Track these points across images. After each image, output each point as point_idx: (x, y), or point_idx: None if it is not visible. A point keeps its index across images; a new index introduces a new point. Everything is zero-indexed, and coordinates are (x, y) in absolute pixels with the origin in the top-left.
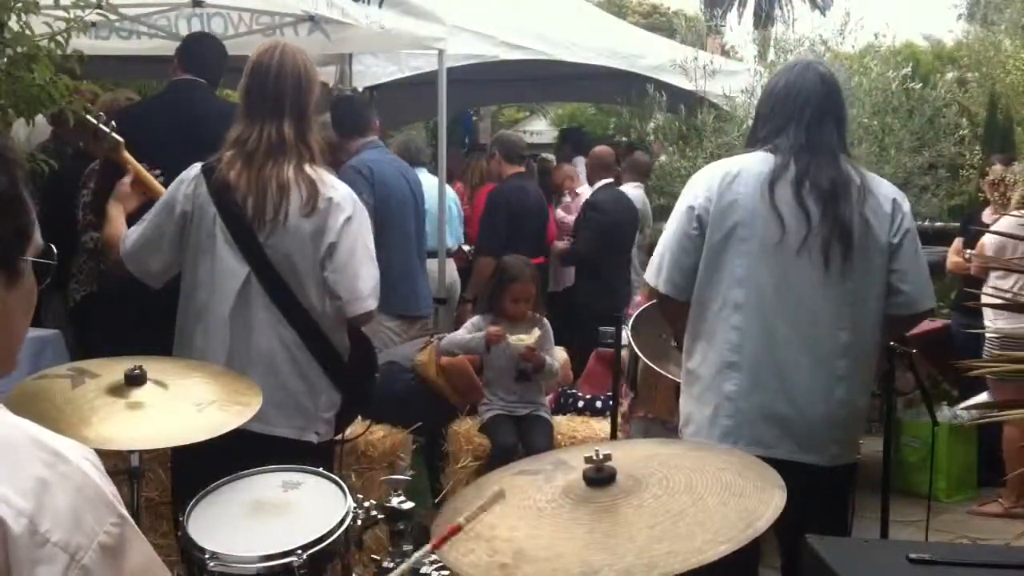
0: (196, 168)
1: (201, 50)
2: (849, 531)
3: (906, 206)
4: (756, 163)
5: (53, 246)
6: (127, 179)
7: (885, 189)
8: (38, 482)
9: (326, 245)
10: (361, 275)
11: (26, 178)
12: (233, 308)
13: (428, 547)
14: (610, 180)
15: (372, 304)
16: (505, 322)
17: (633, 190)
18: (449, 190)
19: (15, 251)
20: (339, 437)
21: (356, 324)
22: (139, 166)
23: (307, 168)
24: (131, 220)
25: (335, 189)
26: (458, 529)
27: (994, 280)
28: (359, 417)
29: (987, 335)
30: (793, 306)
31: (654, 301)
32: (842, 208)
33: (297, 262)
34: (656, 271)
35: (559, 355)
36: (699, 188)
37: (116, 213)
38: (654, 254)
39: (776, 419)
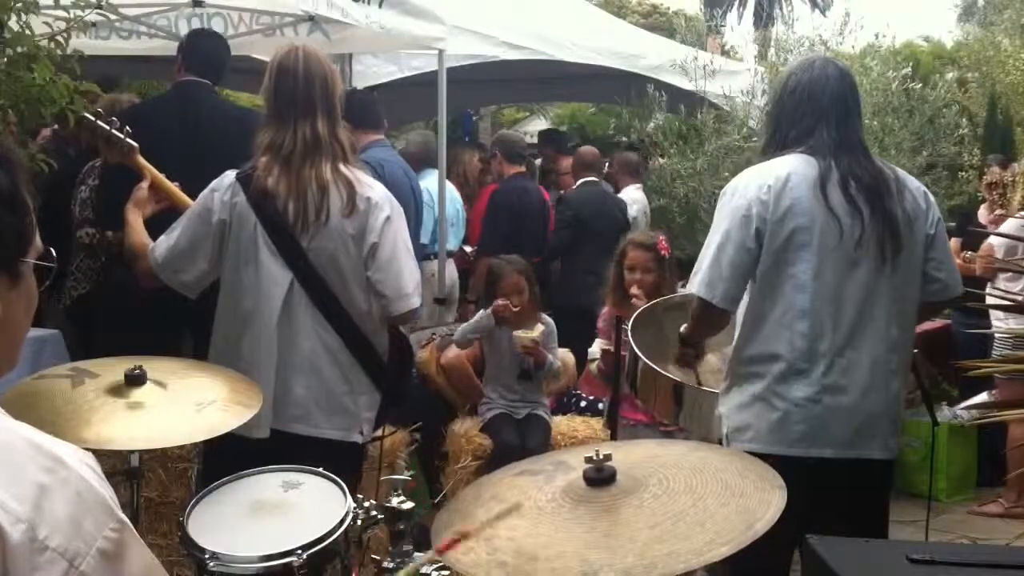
0: (230, 176)
1: (204, 48)
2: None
3: (932, 197)
4: (801, 166)
5: (52, 249)
6: (144, 184)
7: (914, 182)
8: (37, 488)
9: (369, 245)
10: (404, 273)
11: (27, 180)
12: (280, 315)
13: (433, 551)
14: (592, 178)
15: (416, 301)
16: (516, 326)
17: (635, 192)
18: (455, 191)
19: (15, 253)
20: (376, 436)
21: (400, 322)
22: (155, 171)
23: (343, 168)
24: (148, 225)
25: (372, 188)
26: (467, 535)
27: (1003, 282)
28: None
29: (997, 335)
30: (854, 306)
31: (651, 303)
32: (888, 204)
33: (341, 265)
34: (710, 284)
35: (564, 357)
36: (751, 196)
37: (136, 220)
38: (701, 265)
39: (847, 420)
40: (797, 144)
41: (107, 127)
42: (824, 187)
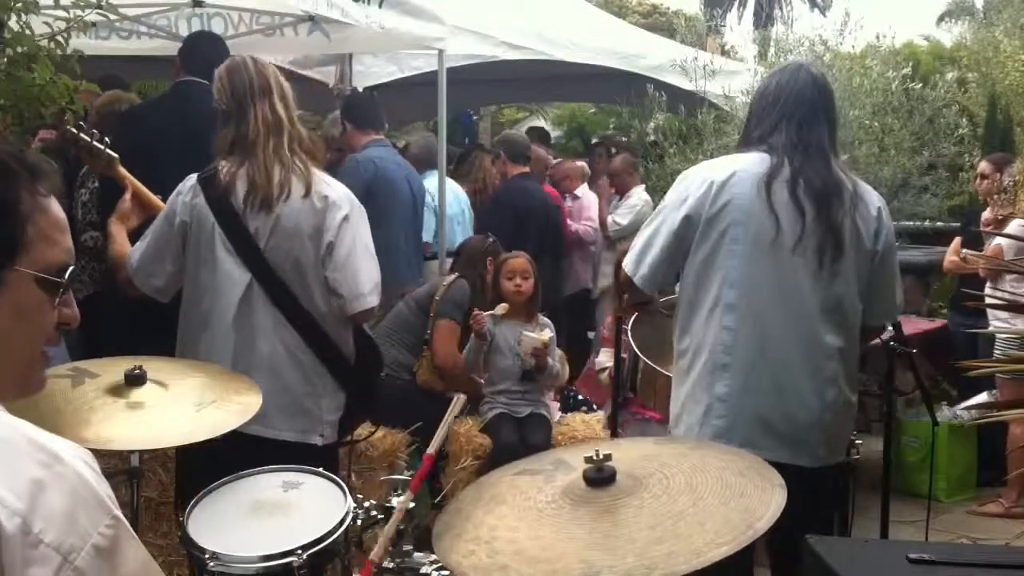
0: (192, 179)
1: (202, 50)
2: (849, 531)
3: (888, 217)
4: (753, 163)
5: (71, 267)
6: (127, 196)
7: (872, 197)
8: (33, 483)
9: (325, 244)
10: (361, 273)
11: (47, 187)
12: (236, 315)
13: (410, 492)
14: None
15: (373, 301)
16: (509, 320)
17: (644, 192)
18: (461, 191)
19: (2, 260)
20: (347, 439)
21: (357, 322)
22: (136, 181)
23: (300, 156)
24: (135, 236)
25: (331, 187)
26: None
27: (1011, 282)
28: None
29: (1001, 336)
30: (785, 307)
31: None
32: (835, 210)
33: (300, 264)
34: (635, 262)
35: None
36: (692, 188)
37: (118, 231)
38: (637, 242)
39: (767, 421)
40: (759, 143)
41: (88, 138)
42: (769, 184)
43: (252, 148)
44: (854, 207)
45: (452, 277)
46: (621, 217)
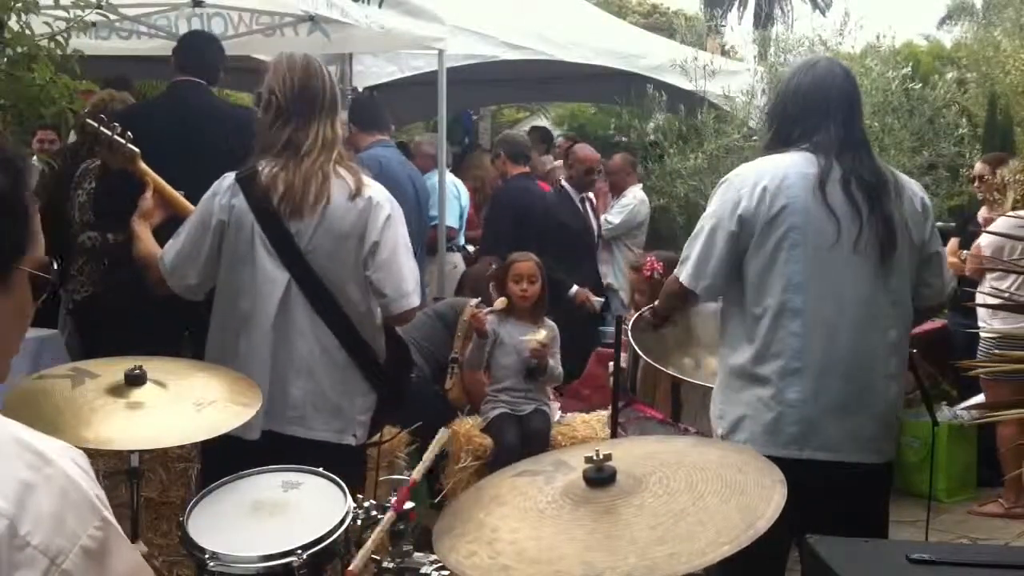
0: (230, 178)
1: (198, 50)
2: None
3: (929, 202)
4: (801, 164)
5: (55, 262)
6: (148, 194)
7: (912, 186)
8: (21, 484)
9: (369, 244)
10: (404, 272)
11: (33, 187)
12: (276, 316)
13: (391, 512)
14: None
15: (416, 300)
16: (514, 320)
17: (641, 192)
18: (461, 184)
19: (9, 258)
20: (377, 439)
21: (400, 321)
22: (157, 177)
23: (341, 167)
24: (157, 233)
25: (372, 188)
26: (414, 483)
27: (991, 281)
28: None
29: (983, 335)
30: (852, 308)
31: (651, 304)
32: (886, 204)
33: (340, 265)
34: (695, 275)
35: None
36: (744, 191)
37: (143, 231)
38: (691, 253)
39: (842, 423)
40: (801, 141)
41: (109, 132)
42: (823, 186)
43: (302, 159)
44: (900, 198)
45: (474, 303)
46: (614, 216)
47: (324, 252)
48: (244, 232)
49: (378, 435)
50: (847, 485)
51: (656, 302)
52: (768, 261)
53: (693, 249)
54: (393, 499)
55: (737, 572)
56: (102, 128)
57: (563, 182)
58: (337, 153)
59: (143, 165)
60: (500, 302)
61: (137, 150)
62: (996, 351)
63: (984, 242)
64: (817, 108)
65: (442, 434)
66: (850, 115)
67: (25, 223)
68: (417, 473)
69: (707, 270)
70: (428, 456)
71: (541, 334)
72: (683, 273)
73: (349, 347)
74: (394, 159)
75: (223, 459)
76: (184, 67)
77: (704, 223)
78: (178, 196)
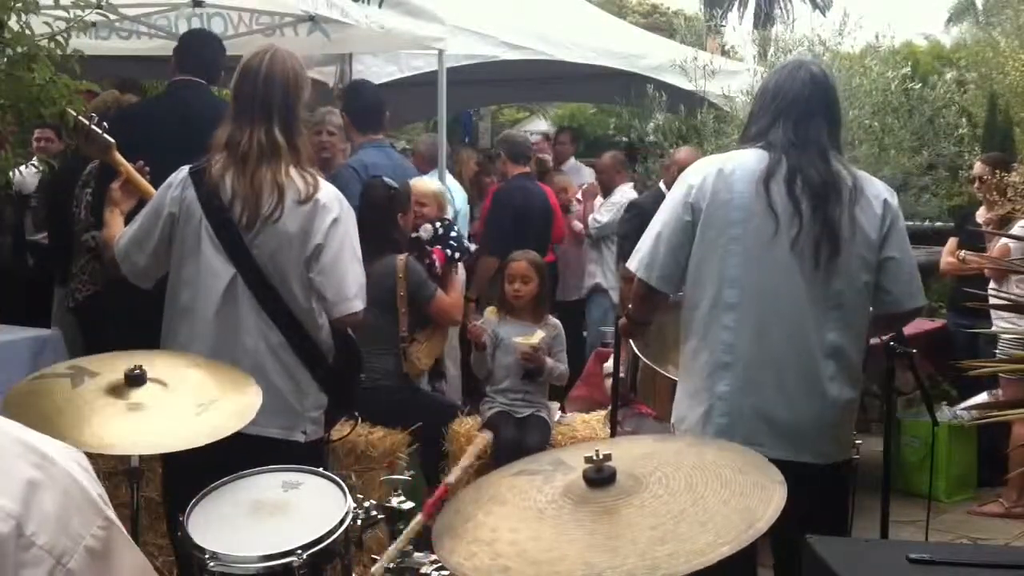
0: (184, 171)
1: (198, 49)
2: (849, 531)
3: (895, 205)
4: (751, 160)
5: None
6: (116, 183)
7: (876, 189)
8: (26, 484)
9: (312, 246)
10: (347, 277)
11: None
12: (219, 309)
13: (421, 517)
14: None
15: (359, 305)
16: (514, 320)
17: (630, 191)
18: (457, 186)
19: None
20: (327, 437)
21: (341, 325)
22: (130, 167)
23: (295, 170)
24: (127, 220)
25: (322, 191)
26: (446, 491)
27: (1016, 284)
28: (356, 418)
29: (1004, 336)
30: (784, 306)
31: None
32: (831, 207)
33: (282, 262)
34: (648, 264)
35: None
36: (694, 180)
37: (111, 217)
38: (642, 245)
39: (769, 419)
40: (756, 140)
41: (86, 122)
42: (767, 181)
43: (243, 161)
44: (853, 202)
45: (400, 263)
46: (602, 215)
47: (268, 250)
48: (191, 225)
49: (327, 435)
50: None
51: (629, 308)
52: (707, 253)
53: (645, 241)
54: (394, 499)
55: (707, 570)
56: (80, 118)
57: (661, 186)
58: (291, 159)
59: (117, 155)
60: (489, 310)
61: (112, 140)
62: (1013, 351)
63: (1014, 245)
64: (773, 109)
65: (481, 438)
66: (806, 117)
67: None
68: (453, 477)
69: (658, 260)
70: (466, 460)
71: (535, 337)
72: (636, 266)
73: (296, 345)
74: (383, 165)
75: (179, 459)
76: (184, 66)
77: (658, 215)
78: (148, 186)
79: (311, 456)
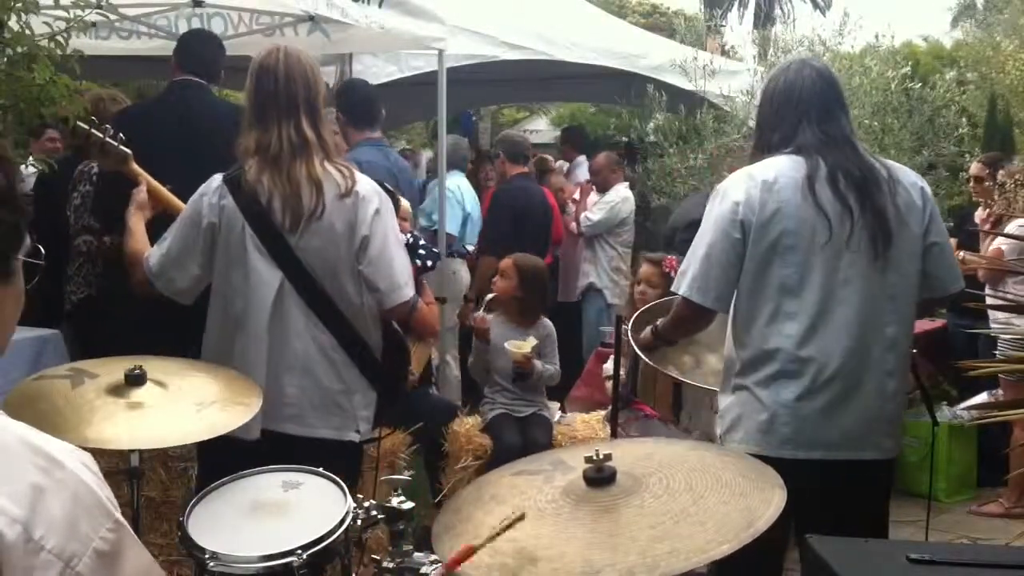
0: (217, 179)
1: (198, 48)
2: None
3: (930, 192)
4: (788, 168)
5: (41, 247)
6: (143, 187)
7: (910, 177)
8: (33, 488)
9: (359, 238)
10: (396, 265)
11: (18, 177)
12: (271, 316)
13: (441, 568)
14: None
15: (410, 292)
16: (506, 321)
17: (625, 190)
18: (468, 188)
19: (10, 249)
20: (375, 435)
21: (394, 315)
22: (150, 178)
23: (328, 164)
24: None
25: (360, 183)
26: (472, 551)
27: (1012, 285)
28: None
29: (1004, 336)
30: (847, 306)
31: (651, 304)
32: (877, 199)
33: (331, 259)
34: (701, 287)
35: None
36: (738, 196)
37: (137, 224)
38: (691, 266)
39: (835, 421)
40: (783, 146)
41: (101, 135)
42: (812, 186)
43: (276, 162)
44: (893, 191)
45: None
46: (594, 213)
47: (314, 250)
48: (235, 233)
49: (377, 432)
50: (845, 484)
51: (659, 325)
52: (762, 265)
53: (694, 263)
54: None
55: (734, 572)
56: (93, 130)
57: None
58: (323, 153)
59: (135, 167)
60: (480, 317)
61: (129, 152)
62: (1011, 351)
63: (1006, 246)
64: (791, 111)
65: (516, 516)
66: (825, 113)
67: (21, 216)
68: (482, 542)
69: (711, 282)
70: (499, 528)
71: (528, 345)
72: (687, 289)
73: (346, 344)
74: (379, 163)
75: (222, 459)
76: (184, 66)
77: (703, 235)
78: (169, 195)
79: (359, 456)
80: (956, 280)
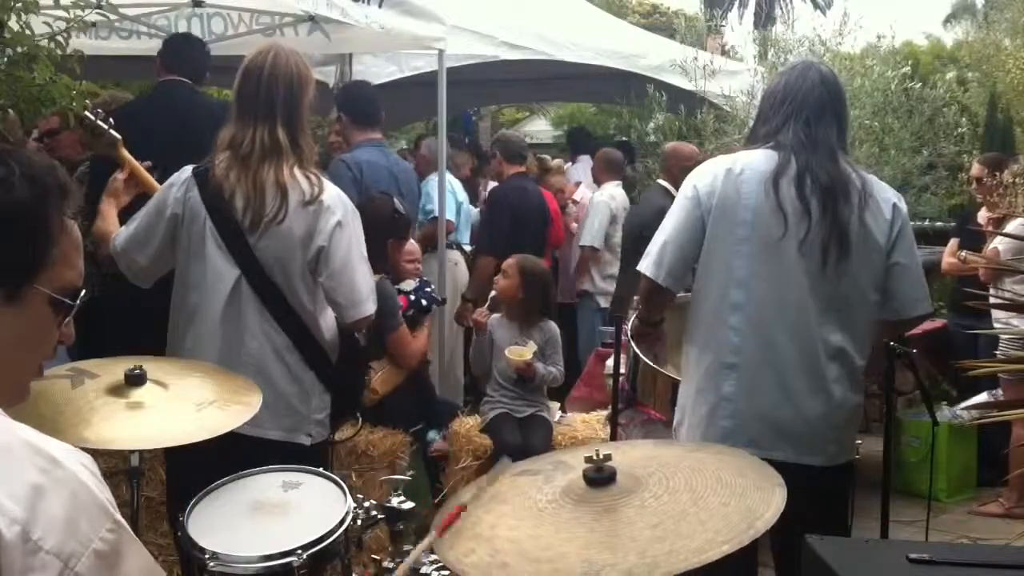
0: (187, 171)
1: (183, 50)
2: (849, 531)
3: (904, 210)
4: (760, 160)
5: (83, 290)
6: (120, 175)
7: (886, 193)
8: (32, 488)
9: (315, 248)
10: (357, 280)
11: (72, 209)
12: (224, 311)
13: (434, 534)
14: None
15: (370, 308)
16: (508, 322)
17: (614, 188)
18: (456, 181)
19: (18, 272)
20: (332, 439)
21: (354, 329)
22: (135, 163)
23: (299, 170)
24: (125, 214)
25: (326, 192)
26: (463, 509)
27: (1010, 284)
28: (358, 419)
29: (1004, 336)
30: (790, 307)
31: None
32: (841, 208)
33: (286, 264)
34: (656, 263)
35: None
36: (704, 179)
37: (108, 209)
38: (653, 245)
39: (774, 421)
40: (765, 140)
41: (92, 117)
42: (776, 181)
43: (244, 161)
44: (863, 205)
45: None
46: (585, 228)
47: (272, 251)
48: (197, 226)
49: (331, 436)
50: (791, 486)
51: (640, 308)
52: (715, 252)
53: (655, 242)
54: (395, 499)
55: (710, 568)
56: (86, 113)
57: (662, 183)
58: (294, 159)
59: (124, 152)
60: (480, 311)
61: (119, 136)
62: (1013, 351)
63: (1003, 246)
64: (784, 109)
65: (502, 462)
66: (817, 117)
67: (47, 242)
68: (466, 499)
69: (666, 260)
70: (486, 483)
71: (528, 351)
72: (644, 264)
73: (300, 347)
74: (379, 164)
75: (183, 460)
76: (170, 67)
77: (668, 216)
78: (153, 182)
79: (315, 458)
80: (918, 304)
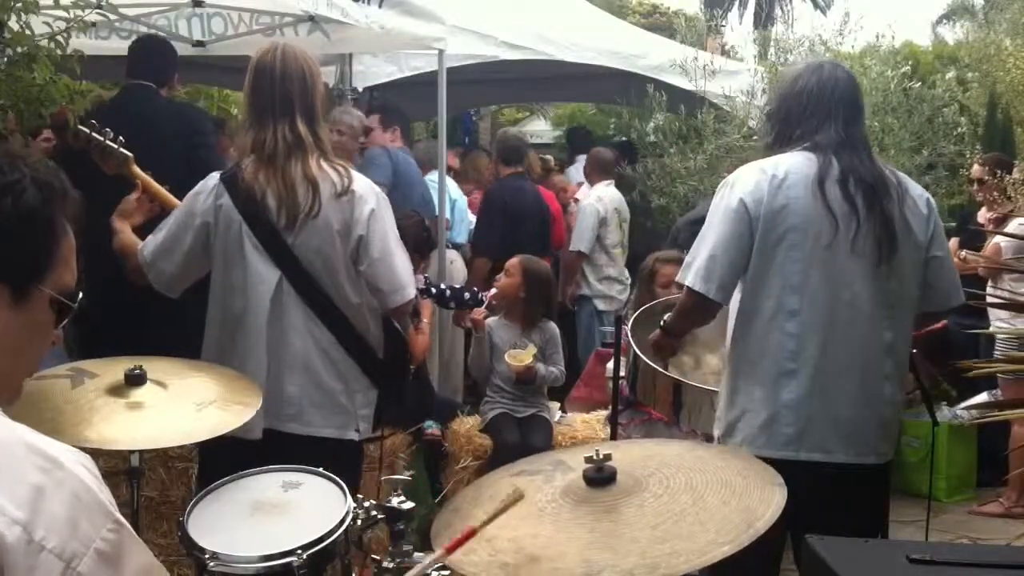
0: (214, 178)
1: (146, 54)
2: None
3: (935, 205)
4: (801, 164)
5: (82, 294)
6: (132, 196)
7: (918, 188)
8: (34, 489)
9: (355, 238)
10: (396, 265)
11: (73, 213)
12: (270, 313)
13: (443, 551)
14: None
15: (412, 292)
16: (508, 323)
17: (604, 189)
18: (451, 181)
19: (26, 272)
20: (377, 435)
21: (396, 315)
22: (150, 180)
23: (325, 163)
24: (139, 232)
25: (356, 182)
26: (473, 532)
27: (1009, 283)
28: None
29: (1001, 336)
30: (846, 308)
31: (651, 303)
32: (886, 204)
33: (328, 259)
34: (704, 276)
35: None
36: (747, 188)
37: (123, 228)
38: (696, 258)
39: (836, 423)
40: (801, 142)
41: (102, 138)
42: (822, 184)
43: (271, 160)
44: (902, 200)
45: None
46: (575, 233)
47: (311, 248)
48: (232, 232)
49: (379, 432)
50: (843, 486)
51: (666, 319)
52: (766, 261)
53: (698, 255)
54: (395, 499)
55: (730, 572)
56: (94, 134)
57: None
58: (318, 152)
59: (136, 168)
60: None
61: (130, 154)
62: (1012, 351)
63: (1004, 243)
64: (820, 110)
65: (514, 493)
66: (852, 117)
67: (53, 244)
68: (480, 524)
69: (716, 272)
70: (495, 514)
71: (528, 355)
72: (692, 278)
73: (346, 343)
74: (411, 164)
75: (223, 459)
76: (133, 71)
77: (710, 226)
78: (169, 196)
79: (359, 455)
80: (956, 294)
